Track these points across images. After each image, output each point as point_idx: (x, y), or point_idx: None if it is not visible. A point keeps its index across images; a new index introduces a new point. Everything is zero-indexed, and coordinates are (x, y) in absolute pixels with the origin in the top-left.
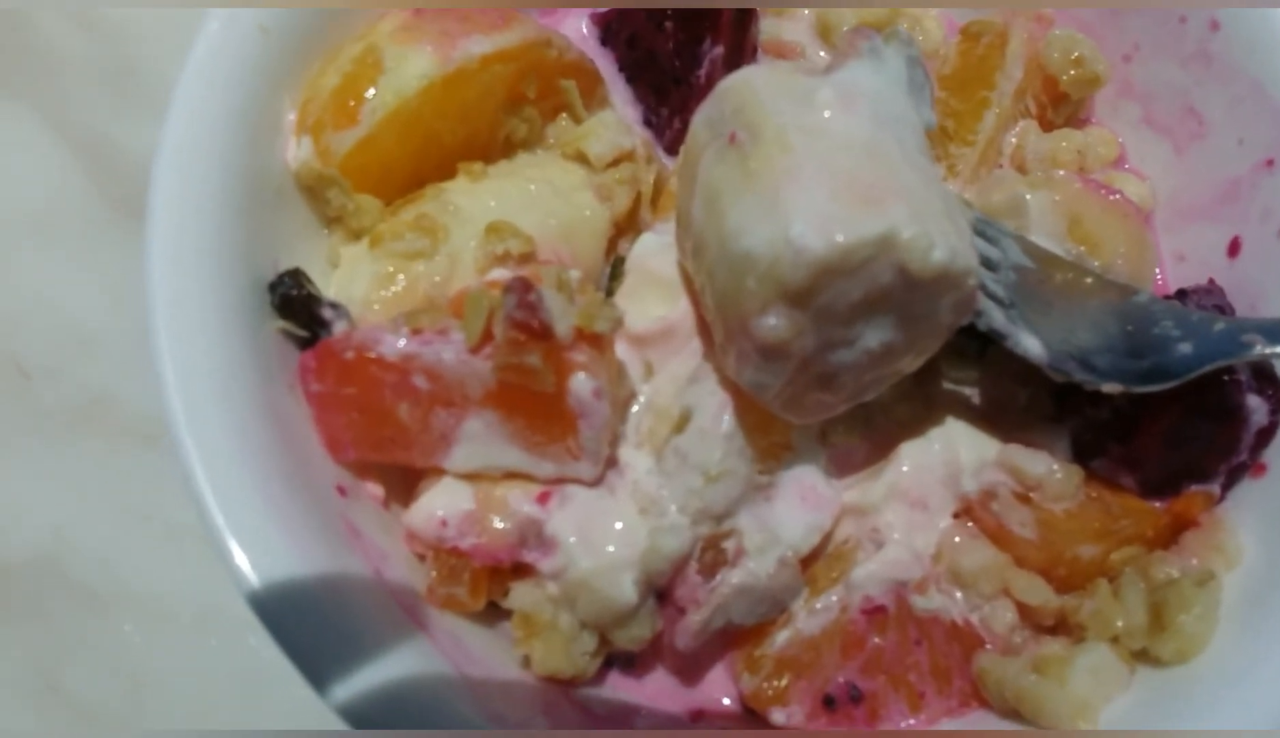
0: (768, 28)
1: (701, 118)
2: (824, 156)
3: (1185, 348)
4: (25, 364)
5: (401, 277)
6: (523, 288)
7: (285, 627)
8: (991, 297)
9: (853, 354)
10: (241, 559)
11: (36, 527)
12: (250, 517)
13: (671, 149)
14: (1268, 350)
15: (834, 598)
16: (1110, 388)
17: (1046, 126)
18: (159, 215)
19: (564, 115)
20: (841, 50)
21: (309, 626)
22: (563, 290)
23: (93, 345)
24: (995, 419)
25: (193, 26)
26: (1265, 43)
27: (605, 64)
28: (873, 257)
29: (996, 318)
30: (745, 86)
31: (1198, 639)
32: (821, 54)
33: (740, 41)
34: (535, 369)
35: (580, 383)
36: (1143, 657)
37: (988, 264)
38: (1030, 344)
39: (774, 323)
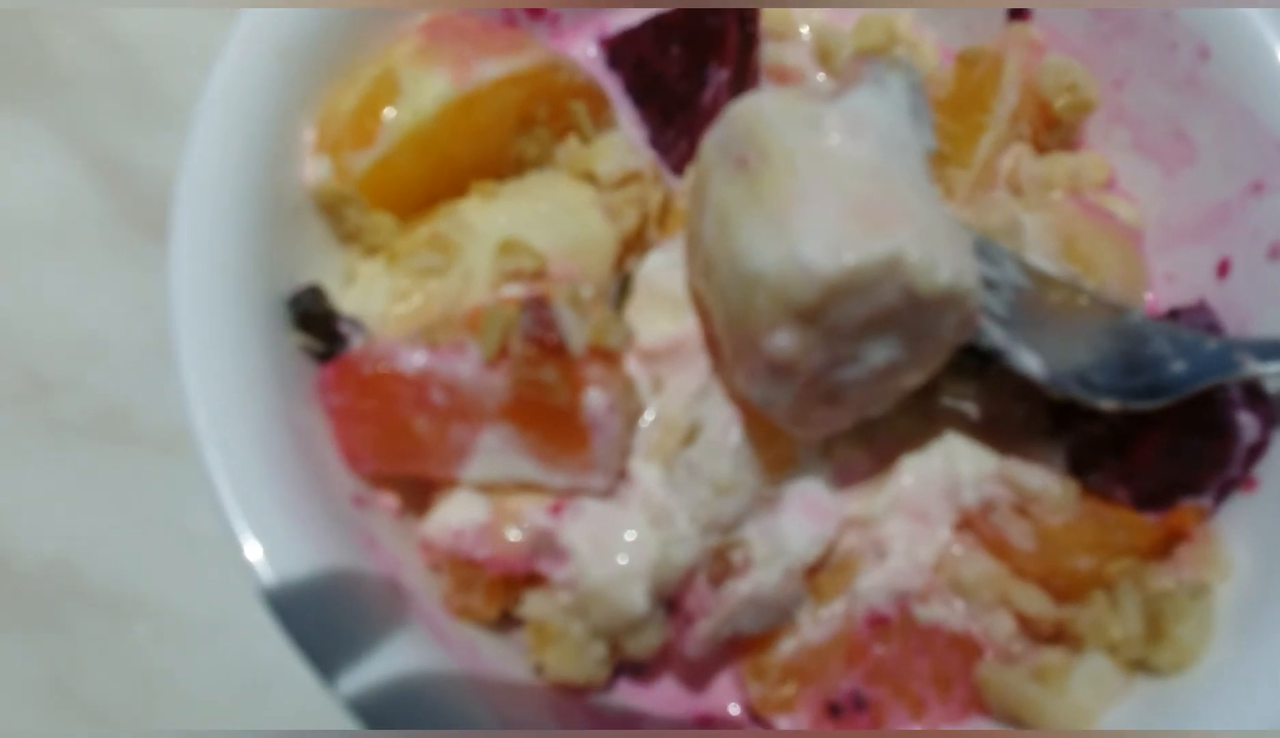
0: (770, 52)
1: (712, 141)
2: (832, 180)
3: (1179, 366)
4: (42, 375)
5: (417, 293)
6: (538, 305)
7: (304, 631)
8: (992, 315)
9: (859, 371)
10: (262, 565)
11: (52, 535)
12: (271, 524)
13: (678, 169)
14: (1259, 369)
15: (838, 608)
16: (1107, 405)
17: (1040, 150)
18: (182, 232)
19: (573, 136)
20: (846, 77)
21: (327, 630)
22: (576, 307)
23: (108, 357)
24: (994, 434)
25: (207, 43)
26: (1254, 70)
27: (612, 86)
28: (880, 277)
29: (996, 336)
30: (754, 112)
31: (1193, 649)
32: (821, 77)
33: (744, 65)
34: (551, 384)
35: (593, 398)
36: (1140, 666)
37: (988, 284)
38: (1029, 362)
39: (783, 341)
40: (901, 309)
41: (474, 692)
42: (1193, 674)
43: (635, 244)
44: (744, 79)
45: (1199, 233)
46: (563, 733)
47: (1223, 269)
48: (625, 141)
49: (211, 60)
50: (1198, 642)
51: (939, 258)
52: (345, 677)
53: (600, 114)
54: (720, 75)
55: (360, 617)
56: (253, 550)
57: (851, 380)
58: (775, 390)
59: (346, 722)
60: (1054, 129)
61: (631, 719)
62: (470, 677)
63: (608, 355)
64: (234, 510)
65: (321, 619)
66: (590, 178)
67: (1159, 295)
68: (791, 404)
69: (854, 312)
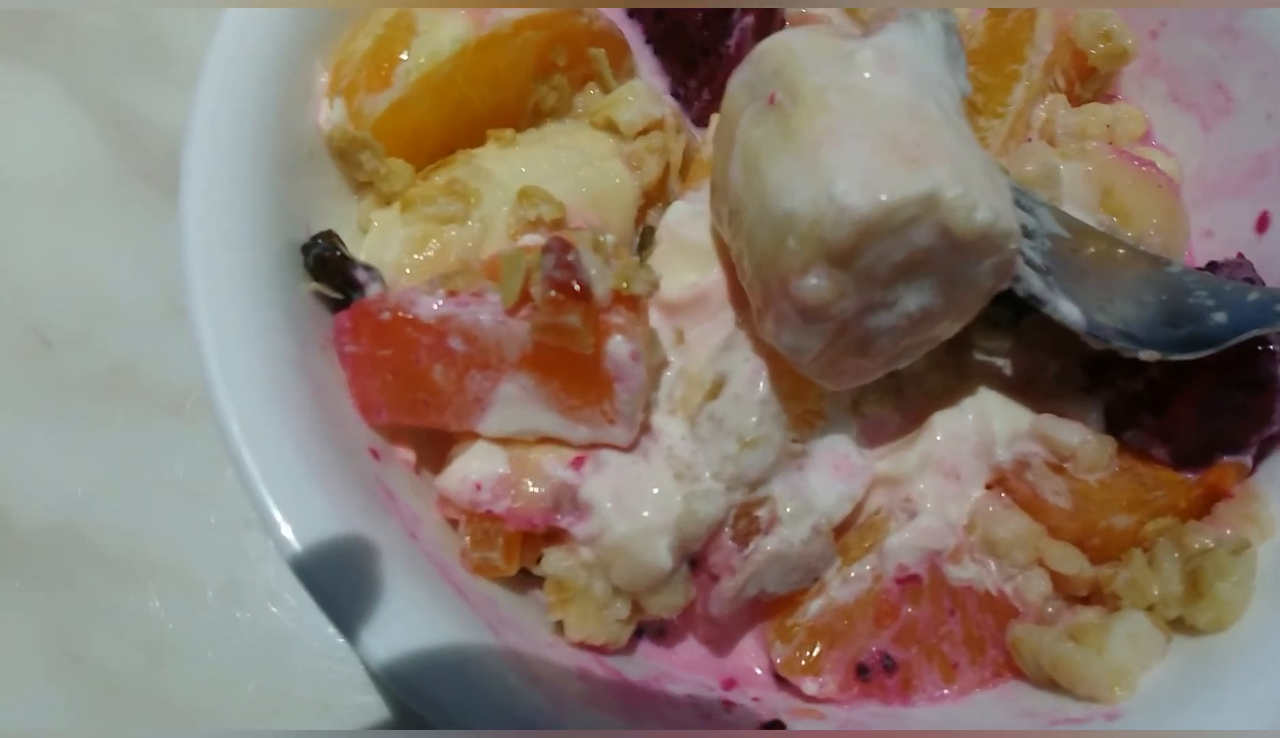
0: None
1: (739, 80)
2: (865, 116)
3: (1220, 317)
4: (48, 333)
5: (434, 240)
6: (561, 248)
7: (321, 583)
8: (1029, 263)
9: (892, 318)
10: (278, 515)
11: (59, 495)
12: (287, 474)
13: (700, 120)
14: None
15: (867, 567)
16: (1148, 355)
17: (1074, 102)
18: (193, 179)
19: (592, 85)
20: (879, 15)
21: (345, 582)
22: (599, 252)
23: (115, 315)
24: (1028, 390)
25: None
26: None
27: (633, 35)
28: (917, 216)
29: (1035, 283)
30: (784, 48)
31: (1234, 607)
32: (854, 28)
33: (770, 12)
34: (574, 330)
35: (617, 345)
36: (1179, 626)
37: (1024, 232)
38: (1068, 310)
39: (815, 283)
40: (938, 251)
41: (495, 648)
42: (1233, 633)
43: (657, 196)
44: (769, 26)
45: (1238, 186)
46: (566, 734)
47: (1262, 224)
48: (647, 89)
49: (223, 14)
50: (1238, 600)
51: (977, 197)
52: (367, 635)
53: (621, 62)
54: (745, 21)
55: (379, 573)
56: (270, 505)
57: (884, 328)
58: (805, 338)
59: (359, 684)
60: (1089, 80)
61: (655, 678)
62: (491, 632)
63: (633, 302)
64: (248, 460)
65: (341, 576)
66: (611, 127)
67: (1197, 251)
68: (821, 353)
69: (889, 253)
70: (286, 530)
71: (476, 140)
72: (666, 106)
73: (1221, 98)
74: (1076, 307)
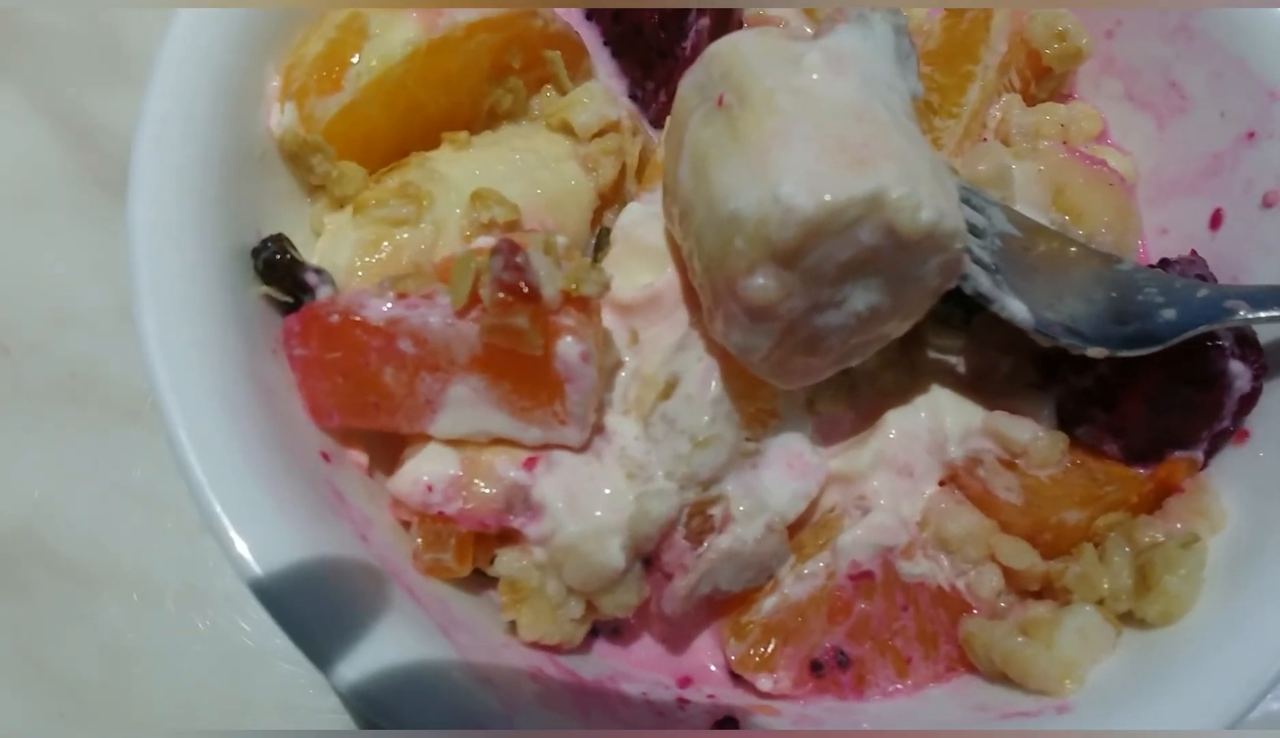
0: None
1: (689, 82)
2: (812, 118)
3: (1169, 313)
4: (5, 338)
5: (386, 243)
6: (510, 250)
7: (271, 591)
8: (977, 262)
9: (840, 317)
10: (227, 523)
11: (16, 501)
12: (235, 480)
13: (657, 122)
14: (1251, 316)
15: (821, 564)
16: (1095, 352)
17: (1030, 101)
18: (141, 182)
19: (549, 87)
20: (830, 17)
21: (297, 589)
22: (550, 254)
23: (73, 320)
24: (980, 387)
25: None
26: (1246, 16)
27: (590, 37)
28: (862, 216)
29: (983, 282)
30: (733, 50)
31: (1183, 600)
32: (807, 29)
33: (726, 14)
34: (522, 331)
35: (567, 346)
36: (1129, 619)
37: (974, 231)
38: (1016, 308)
39: (762, 283)
40: (884, 251)
41: (448, 650)
42: (1182, 626)
43: (613, 198)
44: (725, 27)
45: (1192, 184)
46: (573, 734)
47: (1215, 221)
48: (604, 91)
49: (174, 15)
50: (1187, 592)
51: (923, 197)
52: (321, 643)
53: (578, 65)
54: (701, 23)
55: (327, 577)
56: (219, 513)
57: (833, 327)
58: (753, 337)
59: (320, 686)
60: (1044, 79)
61: (610, 677)
62: (444, 635)
63: (583, 304)
64: (195, 467)
65: (290, 582)
66: (567, 129)
67: (1152, 249)
68: (770, 352)
69: (835, 253)
70: (232, 534)
71: (431, 143)
72: (623, 108)
73: (1176, 96)
74: (1024, 304)
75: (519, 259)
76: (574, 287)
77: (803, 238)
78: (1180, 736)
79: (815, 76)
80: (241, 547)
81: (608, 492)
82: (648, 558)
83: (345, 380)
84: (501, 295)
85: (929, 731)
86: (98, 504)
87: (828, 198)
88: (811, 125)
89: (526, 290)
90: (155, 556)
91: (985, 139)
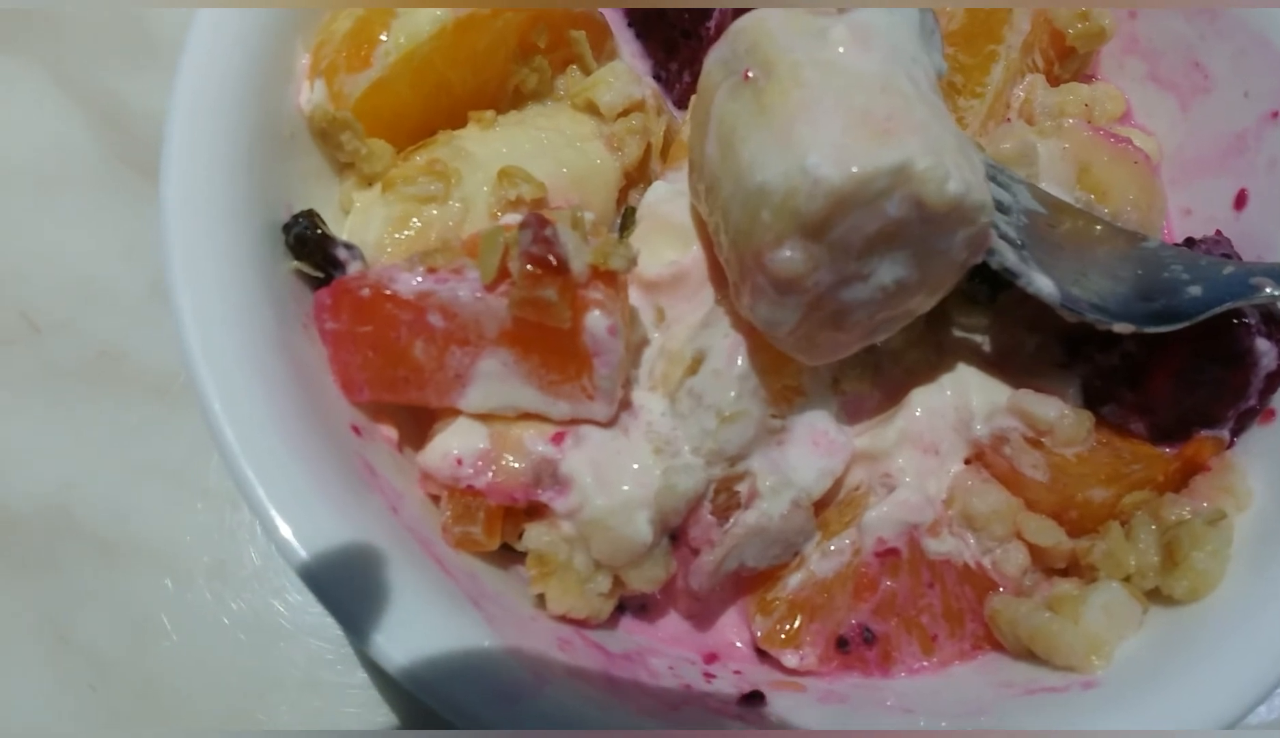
0: None
1: (715, 57)
2: (838, 91)
3: (1195, 290)
4: (35, 317)
5: (415, 220)
6: (539, 223)
7: (303, 558)
8: (1004, 237)
9: (867, 291)
10: (261, 493)
11: (46, 478)
12: (269, 451)
13: (681, 103)
14: (1277, 293)
15: (846, 541)
16: (1121, 328)
17: (1053, 82)
18: (173, 159)
19: (573, 67)
20: None
21: (330, 560)
22: (577, 229)
23: (101, 299)
24: (1006, 365)
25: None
26: None
27: (615, 18)
28: (888, 188)
29: (1009, 257)
30: (759, 25)
31: (1210, 576)
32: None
33: None
34: (551, 304)
35: (595, 320)
36: (1155, 596)
37: (999, 207)
38: (1043, 284)
39: (789, 256)
40: (910, 223)
41: (479, 622)
42: (1208, 603)
43: (638, 177)
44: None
45: (1216, 164)
46: (577, 734)
47: (1240, 201)
48: (628, 70)
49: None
50: (1214, 569)
51: (949, 168)
52: (355, 613)
53: (602, 45)
54: (725, 3)
55: (360, 549)
56: (253, 482)
57: (859, 301)
58: (780, 311)
59: (347, 660)
60: (1068, 60)
61: (637, 652)
62: (475, 606)
63: (611, 278)
64: (230, 439)
65: (322, 552)
66: (592, 109)
67: (1176, 229)
68: (797, 326)
69: (862, 225)
70: (266, 503)
71: (458, 122)
72: (647, 88)
73: (1199, 76)
74: (1051, 280)
75: (547, 232)
76: (601, 261)
77: (830, 210)
78: (1180, 736)
79: (841, 50)
80: (273, 513)
81: (635, 467)
82: (674, 534)
83: (376, 354)
84: (530, 268)
85: (923, 731)
86: (127, 482)
87: (855, 169)
88: (837, 98)
89: (555, 263)
90: (185, 532)
91: (1009, 119)
